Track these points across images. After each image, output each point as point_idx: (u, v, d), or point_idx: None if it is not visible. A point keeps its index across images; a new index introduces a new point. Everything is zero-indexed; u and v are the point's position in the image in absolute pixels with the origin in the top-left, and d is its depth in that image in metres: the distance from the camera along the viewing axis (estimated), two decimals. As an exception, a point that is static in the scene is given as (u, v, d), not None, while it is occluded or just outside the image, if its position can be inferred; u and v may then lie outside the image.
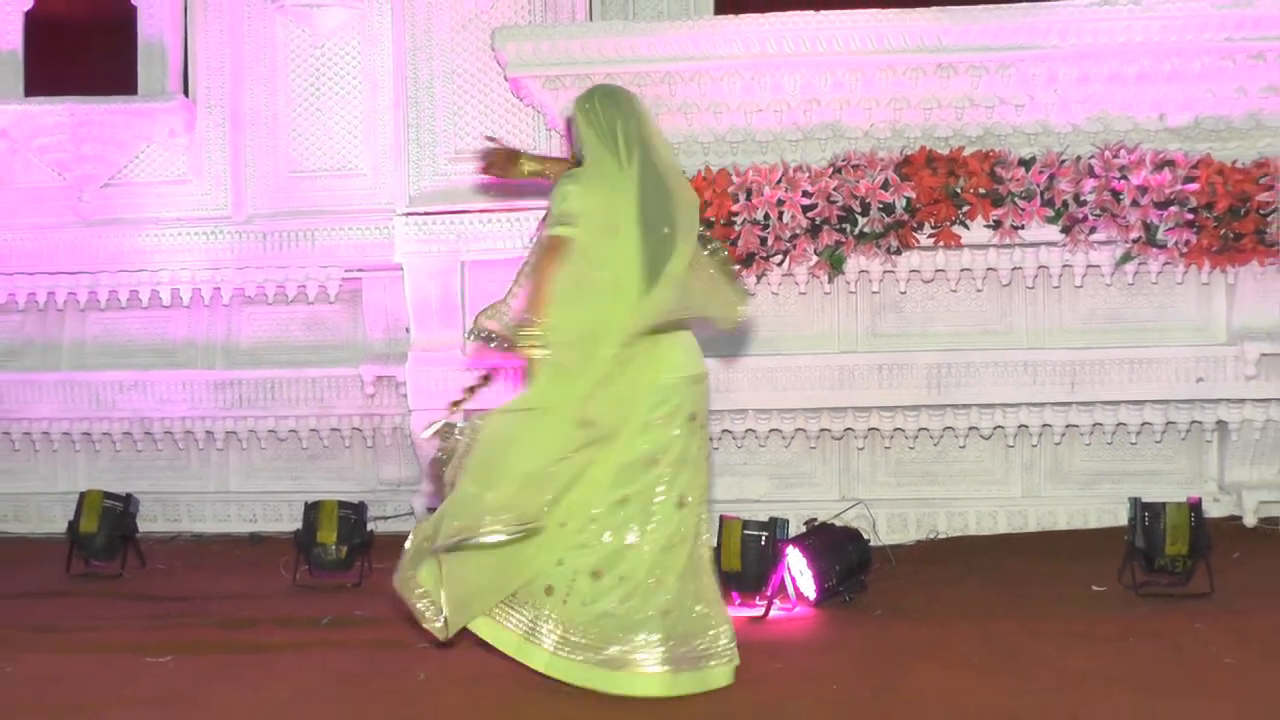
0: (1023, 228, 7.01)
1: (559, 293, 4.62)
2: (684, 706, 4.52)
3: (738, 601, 5.74)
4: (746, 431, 7.41)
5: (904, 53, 7.02)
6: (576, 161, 4.94)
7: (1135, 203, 6.86)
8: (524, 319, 4.65)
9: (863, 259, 7.12)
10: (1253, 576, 6.22)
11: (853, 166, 7.00)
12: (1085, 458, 7.45)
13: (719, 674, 4.63)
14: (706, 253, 4.92)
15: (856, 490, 7.47)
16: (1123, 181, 6.87)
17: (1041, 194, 6.95)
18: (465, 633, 4.78)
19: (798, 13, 7.05)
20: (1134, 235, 6.93)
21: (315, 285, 8.08)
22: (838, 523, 6.59)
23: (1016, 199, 6.95)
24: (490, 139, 5.32)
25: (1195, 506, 6.02)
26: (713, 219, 6.99)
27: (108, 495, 7.14)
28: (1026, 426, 7.31)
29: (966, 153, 7.02)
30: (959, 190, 6.96)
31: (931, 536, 7.38)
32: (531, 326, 4.61)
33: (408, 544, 4.74)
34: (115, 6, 8.22)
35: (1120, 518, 6.54)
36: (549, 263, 4.66)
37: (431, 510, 4.83)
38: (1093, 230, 6.97)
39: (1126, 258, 7.04)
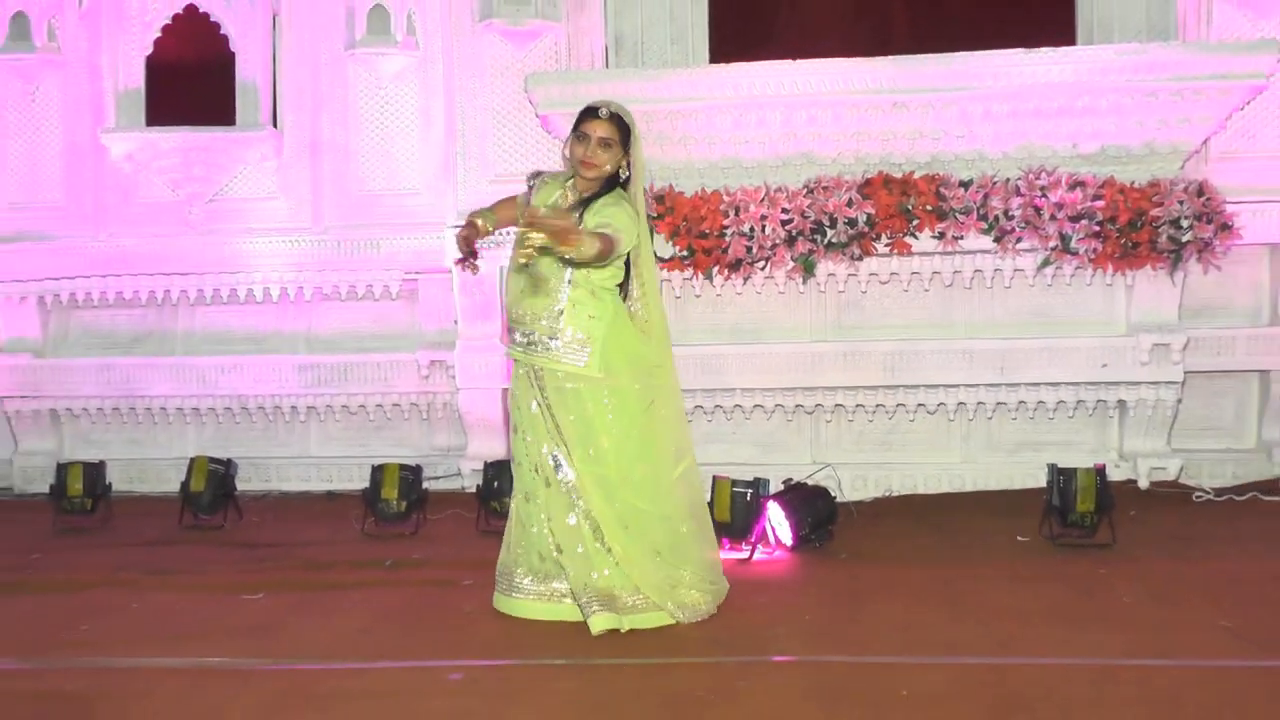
0: (962, 238, 6.99)
1: None
2: (677, 632, 4.54)
3: (728, 547, 5.72)
4: (734, 407, 7.42)
5: (865, 94, 7.03)
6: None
7: (1053, 217, 6.85)
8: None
9: (831, 264, 7.12)
10: (1146, 530, 6.23)
11: (823, 188, 7.00)
12: (1012, 430, 7.43)
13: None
14: None
15: (825, 455, 7.44)
16: (1043, 199, 6.86)
17: (978, 210, 6.93)
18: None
19: (778, 62, 7.07)
20: (1052, 244, 6.92)
21: (380, 285, 8.07)
22: (810, 482, 6.59)
23: (957, 214, 6.94)
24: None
25: (1100, 472, 6.01)
26: (707, 231, 7.01)
27: (212, 460, 7.14)
28: (964, 404, 7.29)
29: (916, 176, 7.02)
30: (910, 207, 6.95)
31: (887, 494, 7.37)
32: None
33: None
34: (218, 52, 8.18)
35: (1040, 480, 6.51)
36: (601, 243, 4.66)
37: None
38: (1019, 240, 6.96)
39: (1046, 263, 7.03)
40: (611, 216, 4.52)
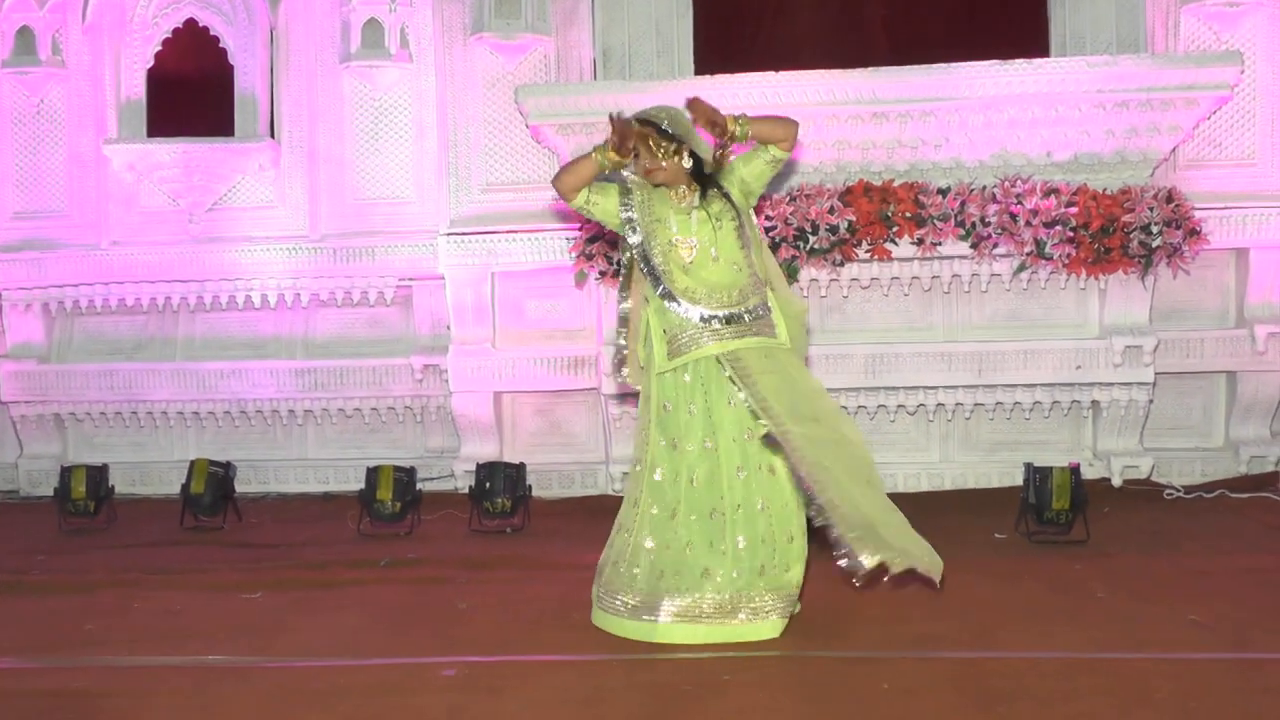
0: (940, 244, 7.00)
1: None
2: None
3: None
4: (720, 408, 7.41)
5: (846, 104, 7.06)
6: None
7: (1028, 223, 6.87)
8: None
9: (813, 270, 7.13)
10: (1119, 527, 6.26)
11: (805, 195, 7.01)
12: (989, 430, 7.45)
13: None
14: None
15: (808, 455, 7.46)
16: (1019, 206, 6.88)
17: (955, 217, 6.95)
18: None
19: (761, 74, 7.09)
20: (1027, 249, 6.94)
21: (375, 291, 8.06)
22: (792, 481, 6.62)
23: (935, 221, 6.95)
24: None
25: (1075, 470, 6.05)
26: (693, 238, 7.02)
27: (212, 463, 7.14)
28: (943, 405, 7.30)
29: (896, 184, 7.03)
30: (890, 214, 6.96)
31: (867, 492, 7.38)
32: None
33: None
34: (217, 65, 8.17)
35: (1016, 479, 6.54)
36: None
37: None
38: (995, 246, 6.97)
39: (1021, 268, 7.06)
40: (750, 158, 4.59)
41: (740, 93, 7.02)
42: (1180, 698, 3.65)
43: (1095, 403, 7.24)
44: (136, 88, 8.23)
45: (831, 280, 7.21)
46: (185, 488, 7.07)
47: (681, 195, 4.58)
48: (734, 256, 4.53)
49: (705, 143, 4.58)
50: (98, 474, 7.15)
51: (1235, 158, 7.34)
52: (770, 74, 7.07)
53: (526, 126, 7.47)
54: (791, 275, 7.06)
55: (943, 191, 7.00)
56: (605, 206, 4.64)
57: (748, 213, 4.62)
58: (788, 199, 7.02)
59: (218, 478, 7.09)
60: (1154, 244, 6.85)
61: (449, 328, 7.82)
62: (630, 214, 4.60)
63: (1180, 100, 6.90)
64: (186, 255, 8.17)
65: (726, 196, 4.55)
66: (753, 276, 4.54)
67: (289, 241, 8.14)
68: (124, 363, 8.28)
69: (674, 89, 7.13)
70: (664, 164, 4.51)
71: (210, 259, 8.15)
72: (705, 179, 4.57)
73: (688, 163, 4.54)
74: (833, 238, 6.97)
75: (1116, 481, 7.16)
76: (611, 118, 4.47)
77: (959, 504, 7.05)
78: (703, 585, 4.40)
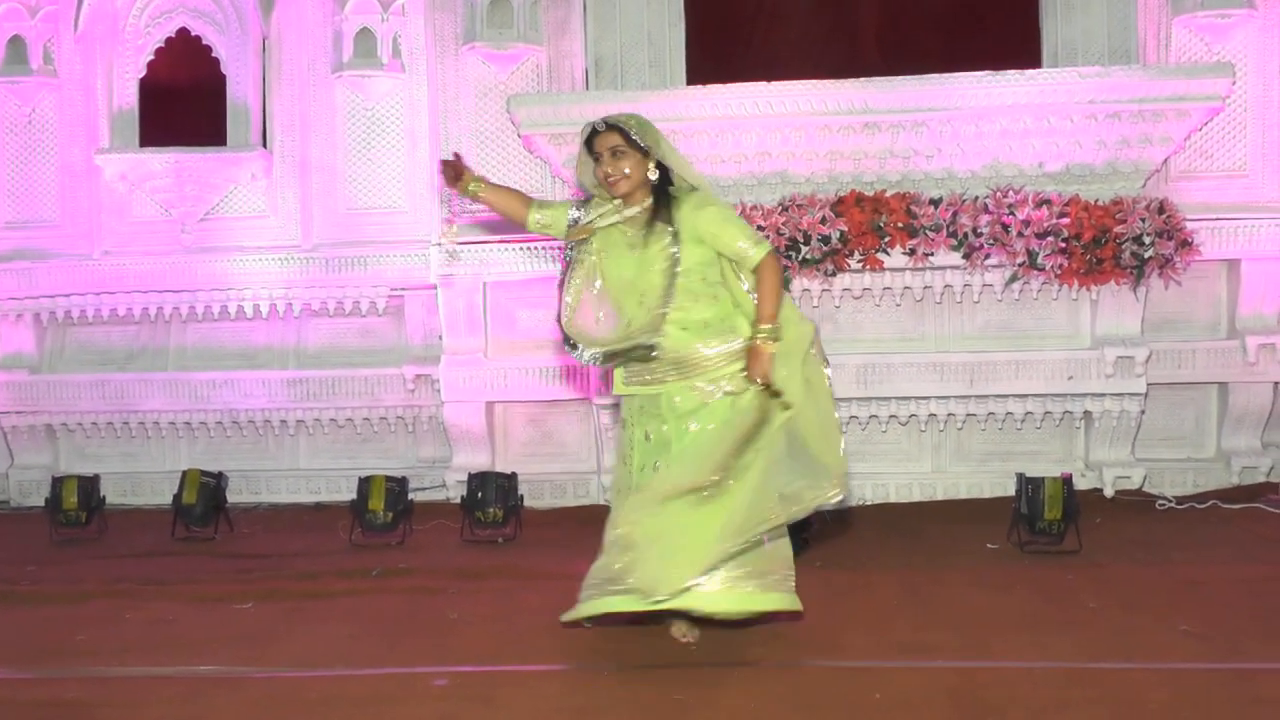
0: (932, 254, 7.01)
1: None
2: (657, 637, 4.54)
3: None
4: (713, 418, 7.42)
5: (838, 115, 7.05)
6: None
7: (1020, 234, 6.89)
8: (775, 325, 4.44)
9: (805, 280, 7.14)
10: (1111, 537, 6.27)
11: (797, 206, 7.02)
12: (981, 440, 7.45)
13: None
14: None
15: (800, 465, 7.47)
16: (1011, 217, 6.89)
17: (947, 227, 6.96)
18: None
19: (753, 84, 7.08)
20: (1019, 260, 6.96)
21: (367, 301, 8.06)
22: (785, 491, 6.62)
23: (927, 231, 6.96)
24: (455, 155, 4.75)
25: (1067, 481, 6.06)
26: (685, 248, 7.03)
27: (204, 473, 7.14)
28: (935, 415, 7.31)
29: (888, 194, 7.03)
30: (882, 225, 6.97)
31: (860, 503, 7.35)
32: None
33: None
34: (209, 74, 8.18)
35: (1009, 489, 6.55)
36: (776, 277, 4.47)
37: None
38: (987, 256, 6.99)
39: (1013, 278, 7.07)
40: (722, 230, 4.40)
41: (732, 103, 7.05)
42: (1172, 707, 3.66)
43: (1087, 413, 7.25)
44: (129, 97, 8.23)
45: (823, 290, 7.22)
46: (177, 498, 7.07)
47: (636, 225, 4.44)
48: (647, 298, 4.41)
49: (677, 153, 4.51)
50: (89, 484, 7.15)
51: (1227, 169, 7.37)
52: (762, 84, 7.07)
53: (519, 136, 7.48)
54: (784, 285, 7.04)
55: (935, 202, 7.00)
56: (555, 217, 4.61)
57: (714, 264, 4.49)
58: (780, 209, 7.03)
59: (209, 488, 7.09)
60: (1146, 255, 6.87)
61: (441, 337, 7.81)
62: (576, 214, 4.57)
63: (1172, 111, 6.92)
64: (178, 265, 8.16)
65: (675, 236, 4.35)
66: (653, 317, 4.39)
67: (281, 251, 8.13)
68: (116, 373, 8.27)
69: (666, 98, 7.18)
70: (626, 171, 4.36)
71: (202, 269, 8.14)
72: (663, 199, 4.42)
73: (653, 174, 4.41)
74: (825, 248, 6.98)
75: (1109, 492, 7.17)
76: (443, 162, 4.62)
77: (951, 514, 7.06)
78: None
